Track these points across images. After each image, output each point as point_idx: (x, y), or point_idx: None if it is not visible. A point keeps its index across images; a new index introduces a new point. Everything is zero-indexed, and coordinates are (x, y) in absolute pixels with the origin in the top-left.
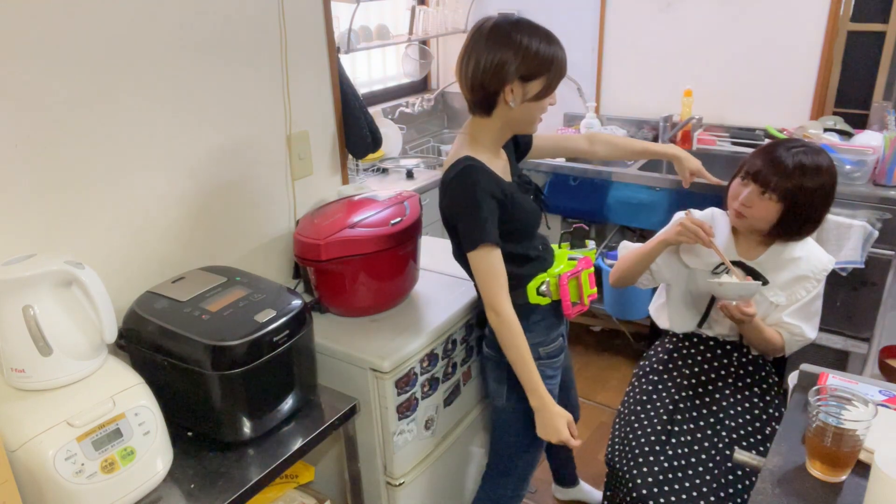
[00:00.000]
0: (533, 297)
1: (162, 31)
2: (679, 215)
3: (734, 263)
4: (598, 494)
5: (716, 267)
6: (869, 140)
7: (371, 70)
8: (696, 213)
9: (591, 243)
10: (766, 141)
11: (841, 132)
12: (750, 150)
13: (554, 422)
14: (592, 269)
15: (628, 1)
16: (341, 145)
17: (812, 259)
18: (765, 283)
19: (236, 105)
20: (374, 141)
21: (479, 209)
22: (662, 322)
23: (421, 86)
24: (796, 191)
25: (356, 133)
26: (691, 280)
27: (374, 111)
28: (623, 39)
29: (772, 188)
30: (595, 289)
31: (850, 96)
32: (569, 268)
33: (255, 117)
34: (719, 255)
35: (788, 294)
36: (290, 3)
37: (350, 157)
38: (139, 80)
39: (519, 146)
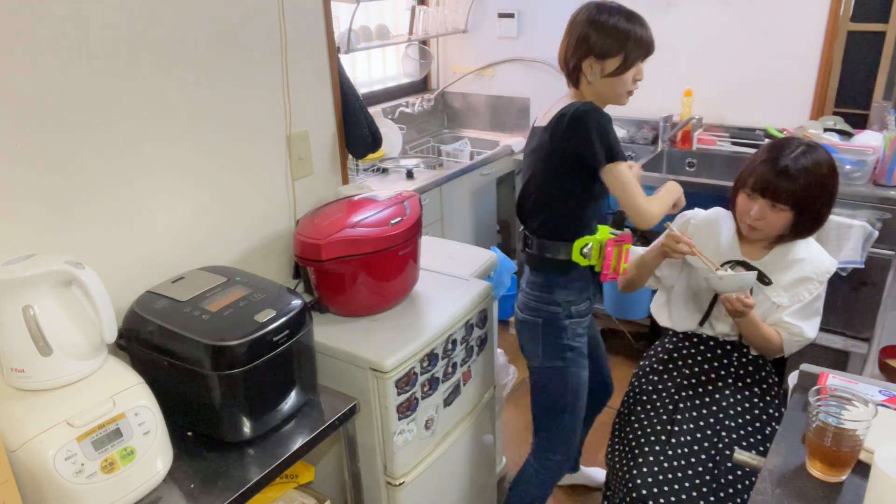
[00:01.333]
0: (575, 255)
1: (162, 32)
2: (682, 215)
3: (738, 263)
4: (596, 473)
5: (716, 269)
6: (869, 140)
7: (371, 70)
8: (688, 213)
9: (628, 230)
10: (767, 141)
11: (841, 132)
12: (750, 151)
13: (676, 186)
14: (631, 245)
15: (628, 1)
16: (341, 145)
17: (815, 261)
18: (768, 283)
19: (236, 105)
20: (374, 141)
21: (613, 133)
22: (663, 320)
23: (421, 86)
24: (805, 194)
25: (356, 133)
26: (693, 278)
27: (374, 111)
28: None
29: (783, 200)
30: (626, 265)
31: (850, 96)
32: (615, 237)
33: (255, 117)
34: (703, 261)
35: (791, 295)
36: (290, 3)
37: (350, 157)
38: (139, 80)
39: None
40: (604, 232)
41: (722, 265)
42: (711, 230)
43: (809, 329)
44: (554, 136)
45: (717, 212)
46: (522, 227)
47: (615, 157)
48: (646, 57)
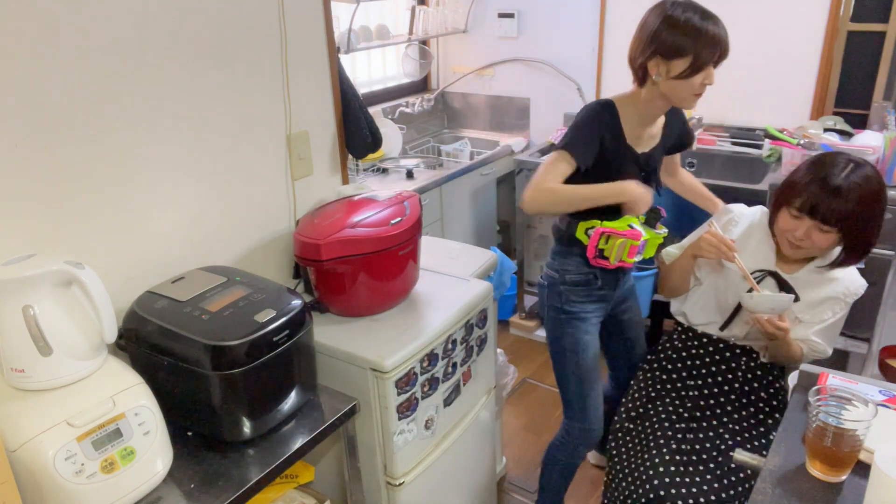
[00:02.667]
0: (579, 233)
1: (162, 31)
2: (727, 209)
3: (770, 273)
4: None
5: (751, 273)
6: (869, 140)
7: (371, 70)
8: (734, 208)
9: (663, 229)
10: (767, 141)
11: (841, 132)
12: (750, 150)
13: (629, 189)
14: (637, 243)
15: (628, 1)
16: (341, 145)
17: (847, 282)
18: (796, 299)
19: (236, 105)
20: (374, 141)
21: (584, 129)
22: (678, 311)
23: (421, 86)
24: (856, 215)
25: (356, 133)
26: (723, 279)
27: (374, 111)
28: (623, 39)
29: (833, 222)
30: (632, 259)
31: (850, 96)
32: (615, 227)
33: (255, 117)
34: (742, 272)
35: (813, 313)
36: (290, 3)
37: (350, 157)
38: (140, 80)
39: (682, 143)
40: (623, 222)
41: (752, 273)
42: (751, 232)
43: (829, 347)
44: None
45: (762, 213)
46: None
47: (563, 146)
48: (719, 60)
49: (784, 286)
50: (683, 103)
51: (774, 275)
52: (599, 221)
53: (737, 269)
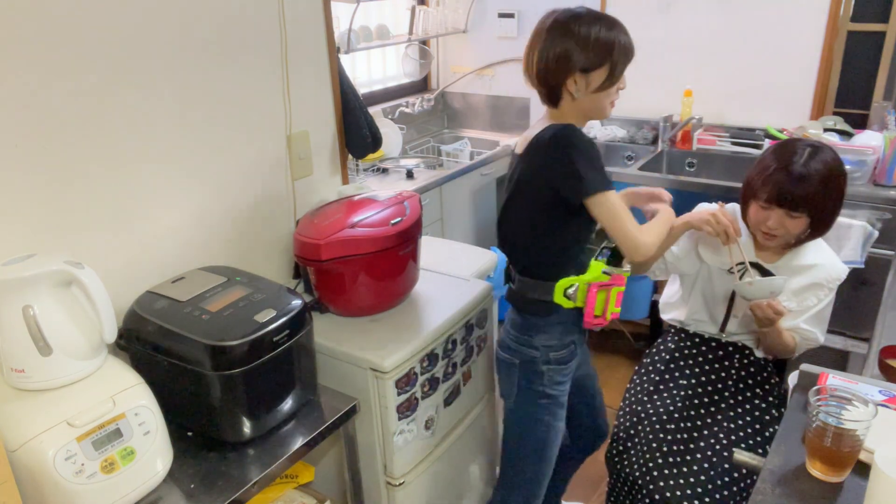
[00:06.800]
0: (558, 297)
1: (163, 32)
2: (703, 205)
3: (753, 265)
4: None
5: (731, 267)
6: (869, 140)
7: (371, 70)
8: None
9: (628, 266)
10: (767, 141)
11: (841, 132)
12: (750, 151)
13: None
14: (623, 288)
15: (628, 1)
16: (341, 145)
17: (828, 267)
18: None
19: (236, 105)
20: (374, 141)
21: (599, 158)
22: (669, 315)
23: (421, 86)
24: (820, 197)
25: (356, 133)
26: (705, 277)
27: (374, 111)
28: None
29: (801, 209)
30: (619, 308)
31: (850, 96)
32: (601, 280)
33: (255, 117)
34: (741, 255)
35: (799, 300)
36: (290, 3)
37: (350, 157)
38: (140, 80)
39: None
40: (595, 270)
41: (735, 266)
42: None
43: (821, 334)
44: (531, 165)
45: (734, 207)
46: (507, 262)
47: (602, 187)
48: (628, 63)
49: (767, 276)
50: (602, 113)
51: (757, 266)
52: (577, 278)
53: (714, 261)
